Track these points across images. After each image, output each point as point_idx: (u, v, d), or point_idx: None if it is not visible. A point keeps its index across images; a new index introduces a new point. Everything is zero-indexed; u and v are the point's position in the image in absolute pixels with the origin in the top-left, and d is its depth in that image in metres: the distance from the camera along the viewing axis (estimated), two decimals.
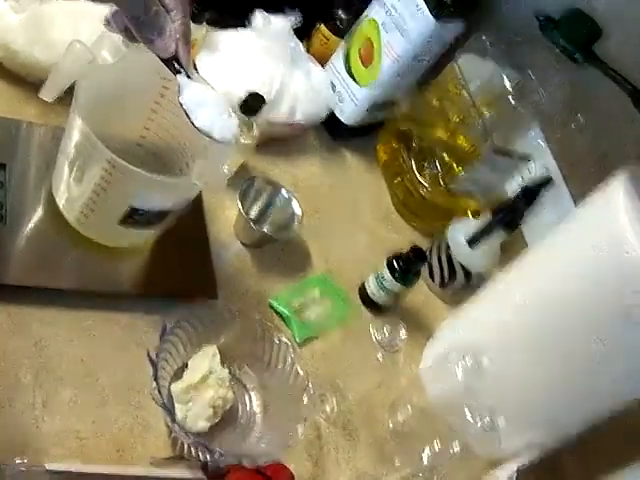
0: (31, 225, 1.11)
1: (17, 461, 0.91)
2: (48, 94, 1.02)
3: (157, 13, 0.84)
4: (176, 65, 0.90)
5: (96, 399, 1.02)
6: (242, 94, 1.27)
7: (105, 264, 1.13)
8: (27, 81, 1.26)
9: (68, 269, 1.12)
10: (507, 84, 1.44)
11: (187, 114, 0.92)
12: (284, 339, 1.11)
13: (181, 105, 0.91)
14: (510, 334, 1.16)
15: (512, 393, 1.18)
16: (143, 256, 1.19)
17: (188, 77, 0.92)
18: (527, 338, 1.14)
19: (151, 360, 0.98)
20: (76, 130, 1.00)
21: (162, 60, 0.90)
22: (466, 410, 1.09)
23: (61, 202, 1.13)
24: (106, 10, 0.89)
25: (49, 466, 0.93)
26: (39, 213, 1.13)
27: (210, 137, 0.93)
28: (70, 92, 1.02)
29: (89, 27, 1.26)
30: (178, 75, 0.91)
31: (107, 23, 0.90)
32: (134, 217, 1.06)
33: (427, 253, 1.32)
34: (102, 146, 0.96)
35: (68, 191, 1.10)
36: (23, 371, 0.99)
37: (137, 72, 0.96)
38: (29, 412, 0.97)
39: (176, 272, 1.19)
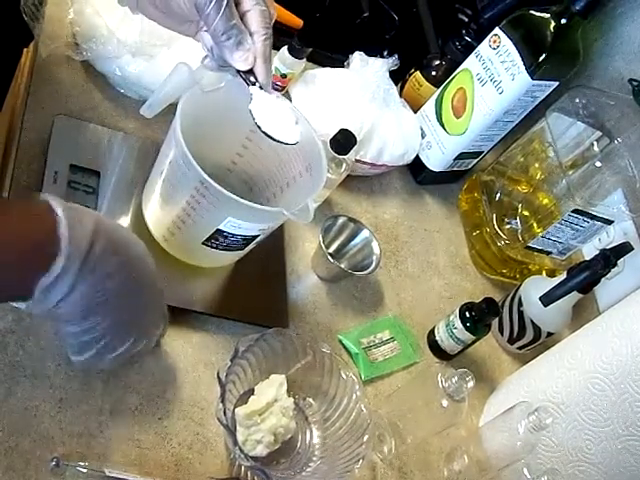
0: None
1: (79, 463, 0.93)
2: (149, 111, 1.05)
3: (235, 26, 0.91)
4: (252, 79, 0.95)
5: (160, 411, 1.04)
6: (333, 131, 1.29)
7: (184, 281, 1.16)
8: (127, 96, 1.30)
9: None
10: (595, 146, 1.43)
11: (254, 118, 0.95)
12: (351, 375, 1.12)
13: (250, 111, 0.95)
14: (577, 398, 1.15)
15: (572, 458, 1.17)
16: (221, 278, 1.20)
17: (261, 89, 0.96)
18: (593, 406, 1.13)
19: (220, 381, 1.00)
20: (173, 149, 1.03)
21: (240, 73, 0.95)
22: (525, 469, 1.08)
23: (149, 217, 1.16)
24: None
25: (109, 472, 0.94)
26: (126, 224, 1.16)
27: (273, 139, 0.97)
28: (167, 111, 1.05)
29: (193, 50, 1.31)
30: (251, 86, 0.95)
31: (204, 58, 0.99)
32: (219, 239, 1.08)
33: (499, 307, 1.32)
34: (197, 167, 0.98)
35: (157, 207, 1.13)
36: (93, 375, 1.02)
37: (236, 100, 0.99)
38: (95, 416, 0.99)
39: (250, 297, 1.21)
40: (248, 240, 1.10)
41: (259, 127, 0.96)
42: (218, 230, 1.06)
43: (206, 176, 0.98)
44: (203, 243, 1.10)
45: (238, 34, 0.91)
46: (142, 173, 1.19)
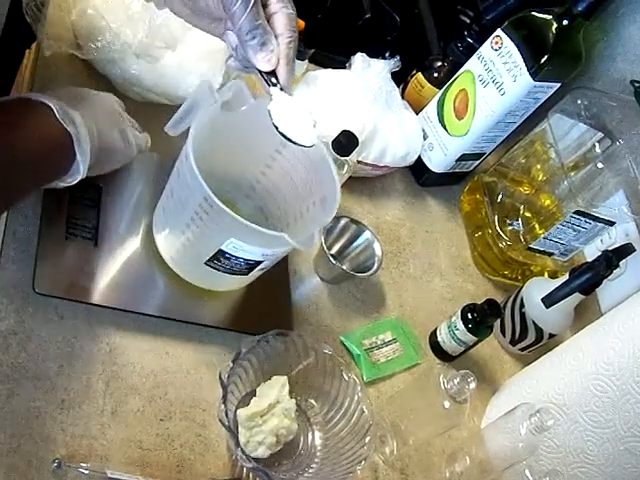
0: (123, 250, 1.13)
1: (81, 464, 0.93)
2: (173, 130, 1.04)
3: (261, 26, 0.91)
4: (273, 80, 0.95)
5: (162, 413, 1.04)
6: (335, 132, 1.29)
7: (187, 296, 1.14)
8: (129, 97, 1.30)
9: (152, 296, 1.13)
10: (597, 148, 1.43)
11: (272, 118, 0.95)
12: (353, 376, 1.12)
13: (269, 111, 0.95)
14: (579, 400, 1.15)
15: (574, 460, 1.17)
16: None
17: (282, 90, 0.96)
18: (595, 407, 1.13)
19: (222, 382, 1.00)
20: (185, 166, 1.01)
21: (262, 73, 0.94)
22: (527, 470, 1.08)
23: (158, 238, 1.14)
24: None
25: (110, 473, 0.95)
26: (133, 240, 1.15)
27: (290, 141, 0.96)
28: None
29: (198, 53, 1.31)
30: (272, 87, 0.95)
31: (228, 58, 0.98)
32: (221, 260, 1.06)
33: (501, 308, 1.32)
34: (202, 182, 0.96)
35: (167, 227, 1.12)
36: (95, 377, 1.02)
37: (258, 125, 0.98)
38: (97, 417, 0.99)
39: (256, 305, 1.20)
40: (251, 265, 1.08)
41: (276, 127, 0.95)
42: (220, 251, 1.04)
43: (209, 191, 0.97)
44: (206, 263, 1.08)
45: (263, 34, 0.91)
46: (149, 190, 1.19)
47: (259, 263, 1.08)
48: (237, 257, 1.05)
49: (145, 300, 1.11)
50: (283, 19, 0.93)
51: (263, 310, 1.20)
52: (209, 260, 1.07)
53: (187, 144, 0.99)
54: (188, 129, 1.01)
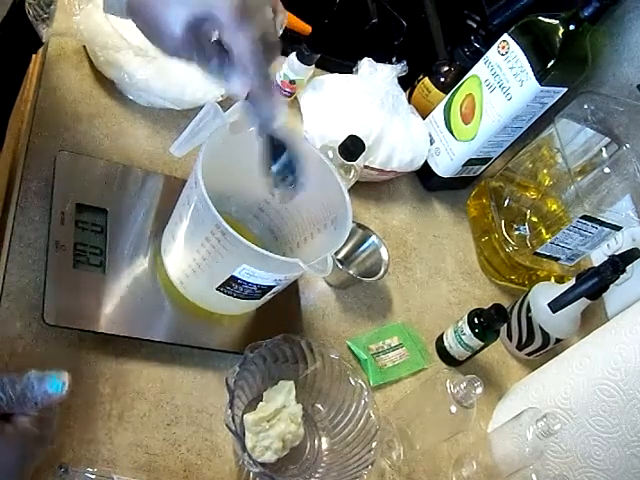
0: (132, 276, 1.11)
1: (88, 469, 0.93)
2: (178, 151, 1.01)
3: (214, 72, 0.87)
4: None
5: (169, 417, 1.04)
6: (342, 137, 1.29)
7: (198, 319, 1.13)
8: (136, 102, 1.31)
9: (161, 322, 1.11)
10: (603, 153, 1.43)
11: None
12: (360, 381, 1.12)
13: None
14: (585, 404, 1.15)
15: (581, 465, 1.17)
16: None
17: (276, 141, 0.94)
18: (601, 412, 1.13)
19: (228, 387, 1.00)
20: (195, 193, 1.00)
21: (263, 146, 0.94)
22: (533, 475, 1.08)
23: (167, 259, 1.12)
24: None
25: (117, 478, 0.94)
26: (142, 264, 1.13)
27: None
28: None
29: None
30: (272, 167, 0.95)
31: None
32: (233, 286, 1.05)
33: (508, 313, 1.32)
34: (214, 211, 0.95)
35: (176, 249, 1.10)
36: (102, 382, 1.02)
37: None
38: (104, 422, 0.99)
39: (266, 324, 1.18)
40: (264, 290, 1.06)
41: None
42: (232, 277, 1.03)
43: (222, 221, 0.95)
44: (217, 289, 1.06)
45: (219, 74, 0.87)
46: (156, 211, 1.19)
47: (271, 288, 1.07)
48: (249, 283, 1.04)
49: (155, 326, 1.09)
50: (249, 58, 0.84)
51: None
52: (221, 286, 1.05)
53: (196, 171, 0.98)
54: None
